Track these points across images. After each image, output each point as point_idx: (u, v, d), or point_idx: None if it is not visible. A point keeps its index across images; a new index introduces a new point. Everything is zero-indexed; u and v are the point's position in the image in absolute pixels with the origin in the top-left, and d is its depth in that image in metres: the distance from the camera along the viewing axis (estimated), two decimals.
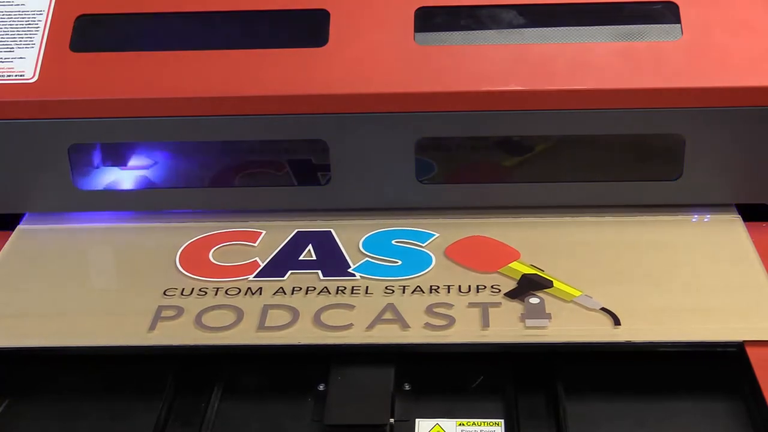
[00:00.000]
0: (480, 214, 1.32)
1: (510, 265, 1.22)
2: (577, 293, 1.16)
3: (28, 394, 1.11)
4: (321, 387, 1.10)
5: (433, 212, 1.33)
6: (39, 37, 1.31)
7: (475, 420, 1.06)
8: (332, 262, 1.24)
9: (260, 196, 1.35)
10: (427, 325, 1.12)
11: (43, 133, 1.29)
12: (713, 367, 1.10)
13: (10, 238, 1.31)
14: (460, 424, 1.05)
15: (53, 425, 1.08)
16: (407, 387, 1.10)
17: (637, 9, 1.31)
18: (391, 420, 1.05)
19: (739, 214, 1.31)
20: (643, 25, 1.30)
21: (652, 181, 1.31)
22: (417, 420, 1.06)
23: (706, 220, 1.30)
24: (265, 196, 1.34)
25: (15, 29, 1.32)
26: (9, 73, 1.29)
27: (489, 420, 1.06)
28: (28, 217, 1.36)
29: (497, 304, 1.15)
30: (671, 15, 1.29)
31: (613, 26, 1.30)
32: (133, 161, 1.44)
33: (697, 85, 1.24)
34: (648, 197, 1.32)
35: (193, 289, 1.20)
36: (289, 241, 1.29)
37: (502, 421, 1.06)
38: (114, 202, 1.35)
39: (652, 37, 1.29)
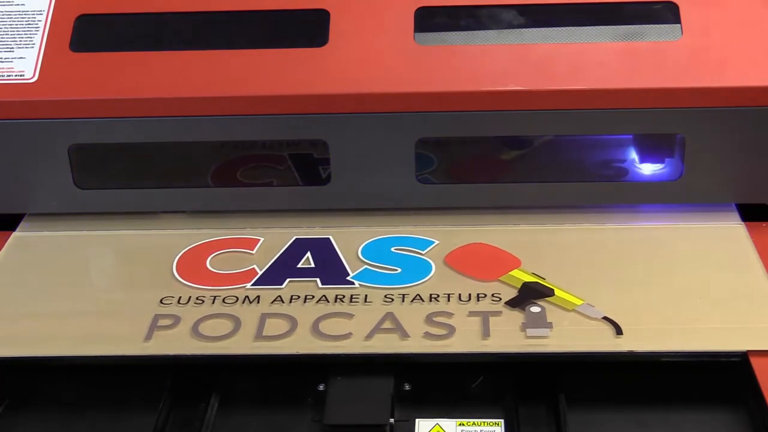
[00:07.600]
0: (480, 221, 1.26)
1: (511, 273, 1.16)
2: (578, 302, 1.10)
3: (24, 400, 1.06)
4: (321, 387, 1.04)
5: (432, 217, 1.27)
6: (39, 37, 1.26)
7: (475, 420, 1.00)
8: (331, 269, 1.17)
9: (260, 196, 1.29)
10: (427, 335, 1.06)
11: (43, 133, 1.24)
12: (716, 376, 1.04)
13: (6, 244, 1.26)
14: (460, 424, 1.00)
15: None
16: (407, 387, 1.05)
17: (637, 9, 1.26)
18: (391, 420, 0.99)
19: (740, 213, 1.25)
20: (643, 25, 1.25)
21: (652, 181, 1.27)
22: (417, 420, 1.01)
23: (707, 225, 1.24)
24: (265, 197, 1.29)
25: (15, 29, 1.27)
26: (9, 73, 1.24)
27: (489, 420, 1.00)
28: (25, 221, 1.30)
29: (498, 313, 1.09)
30: (671, 15, 1.24)
31: (613, 26, 1.25)
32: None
33: (697, 85, 1.19)
34: (648, 197, 1.26)
35: (190, 297, 1.13)
36: (287, 248, 1.22)
37: (502, 421, 1.00)
38: (113, 202, 1.30)
39: (652, 37, 1.23)
